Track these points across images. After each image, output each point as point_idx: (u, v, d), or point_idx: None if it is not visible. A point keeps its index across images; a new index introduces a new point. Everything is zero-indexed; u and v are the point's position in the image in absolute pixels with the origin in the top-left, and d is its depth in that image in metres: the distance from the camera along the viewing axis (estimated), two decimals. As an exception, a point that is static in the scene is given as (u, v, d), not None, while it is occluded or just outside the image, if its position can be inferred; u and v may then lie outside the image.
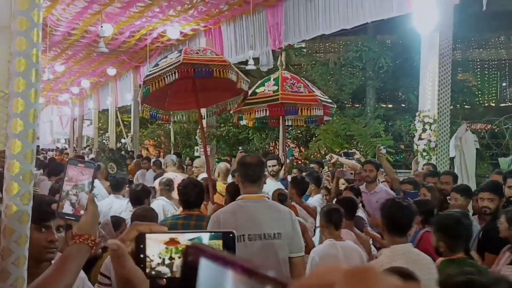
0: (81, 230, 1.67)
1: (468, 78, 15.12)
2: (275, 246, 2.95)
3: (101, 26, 9.39)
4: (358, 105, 13.08)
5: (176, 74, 4.58)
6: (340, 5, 8.80)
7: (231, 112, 6.45)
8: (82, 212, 1.70)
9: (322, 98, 5.79)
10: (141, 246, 0.91)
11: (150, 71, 4.99)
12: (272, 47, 11.01)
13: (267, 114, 5.75)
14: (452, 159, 7.34)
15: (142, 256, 0.91)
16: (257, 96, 5.75)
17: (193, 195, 3.64)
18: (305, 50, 14.08)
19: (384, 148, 6.18)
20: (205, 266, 0.50)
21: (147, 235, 0.91)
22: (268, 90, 5.69)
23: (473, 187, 7.04)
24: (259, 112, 5.71)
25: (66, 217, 1.71)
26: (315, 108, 5.60)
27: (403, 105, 12.43)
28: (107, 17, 10.59)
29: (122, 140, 21.32)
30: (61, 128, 26.99)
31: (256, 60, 11.44)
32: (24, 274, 1.76)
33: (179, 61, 4.65)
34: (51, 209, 2.06)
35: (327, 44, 17.48)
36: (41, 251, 2.08)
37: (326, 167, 7.25)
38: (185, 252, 0.52)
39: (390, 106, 13.25)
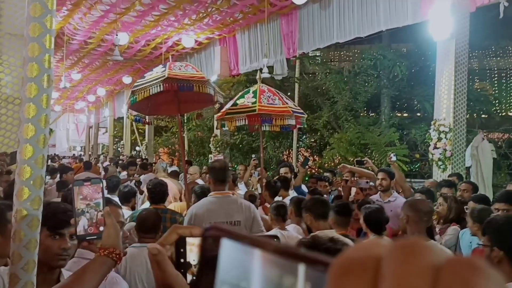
0: (105, 244, 1.68)
1: (485, 87, 14.92)
2: None
3: (116, 35, 9.50)
4: (372, 114, 12.98)
5: (162, 87, 5.44)
6: (354, 14, 8.78)
7: (216, 119, 7.44)
8: (101, 228, 1.71)
9: (294, 109, 6.68)
10: (182, 250, 0.90)
11: (138, 82, 5.86)
12: (287, 56, 11.02)
13: (246, 122, 6.74)
14: (468, 168, 7.23)
15: (182, 260, 0.89)
16: (237, 106, 6.63)
17: (159, 192, 4.44)
18: (319, 59, 14.06)
19: (394, 155, 6.10)
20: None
21: (188, 239, 0.89)
22: (247, 102, 6.55)
23: (490, 197, 6.92)
24: (239, 120, 6.67)
25: (87, 238, 1.72)
26: (287, 118, 6.49)
27: (418, 114, 12.32)
28: (123, 26, 10.73)
29: (137, 148, 21.47)
30: (77, 136, 27.30)
31: (271, 68, 11.46)
32: (33, 279, 1.76)
33: (165, 75, 5.48)
34: (65, 217, 2.07)
35: (341, 53, 17.45)
36: (53, 257, 2.09)
37: (339, 178, 7.19)
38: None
39: (405, 114, 13.13)
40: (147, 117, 6.50)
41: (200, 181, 7.08)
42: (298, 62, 11.47)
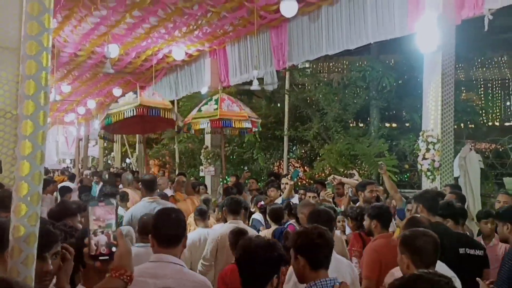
0: (116, 265, 1.70)
1: (472, 97, 15.15)
2: None
3: (107, 47, 9.52)
4: (362, 125, 13.09)
5: (135, 111, 6.63)
6: (343, 26, 8.89)
7: (183, 123, 8.64)
8: (114, 249, 1.74)
9: (250, 115, 8.16)
10: None
11: (112, 106, 7.10)
12: (276, 67, 11.10)
13: (209, 125, 7.95)
14: (456, 179, 7.32)
15: None
16: (202, 112, 7.94)
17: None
18: (309, 70, 14.18)
19: (381, 164, 6.22)
20: None
21: None
22: (210, 109, 7.86)
23: (479, 207, 7.02)
24: (203, 124, 7.94)
25: (100, 258, 1.74)
26: (244, 122, 7.88)
27: (407, 125, 12.44)
28: (114, 38, 10.75)
29: (127, 160, 21.38)
30: (67, 149, 27.10)
31: (261, 80, 11.54)
32: (30, 294, 1.78)
33: (137, 102, 6.70)
34: (48, 240, 2.07)
35: (331, 64, 17.62)
36: (35, 279, 2.06)
37: (329, 189, 7.25)
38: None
39: (394, 125, 13.27)
40: (109, 135, 8.17)
41: (168, 191, 7.77)
42: (288, 74, 11.56)
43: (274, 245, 2.34)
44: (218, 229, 4.90)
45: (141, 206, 5.17)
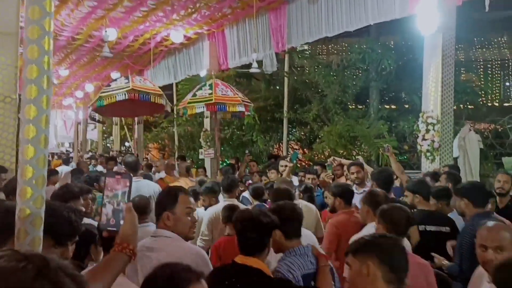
0: (121, 239, 1.72)
1: (471, 78, 15.11)
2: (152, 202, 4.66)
3: (105, 31, 9.46)
4: (361, 107, 13.07)
5: (127, 95, 6.98)
6: (343, 8, 8.83)
7: (178, 107, 9.14)
8: (122, 222, 1.76)
9: (243, 99, 8.52)
10: None
11: (104, 89, 7.46)
12: (276, 50, 11.05)
13: (205, 109, 8.30)
14: (455, 159, 7.36)
15: None
16: (197, 97, 8.24)
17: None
18: (308, 53, 14.11)
19: (387, 147, 6.27)
20: None
21: None
22: (205, 93, 8.23)
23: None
24: (199, 108, 8.25)
25: (108, 228, 1.76)
26: (238, 106, 8.24)
27: (406, 106, 12.43)
28: (111, 21, 10.67)
29: (126, 144, 21.39)
30: (66, 132, 27.09)
31: (260, 62, 11.49)
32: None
33: (129, 86, 7.05)
34: (72, 229, 2.12)
35: (330, 46, 17.53)
36: None
37: (329, 171, 7.29)
38: None
39: (393, 107, 13.25)
40: (97, 116, 8.82)
41: (162, 174, 8.27)
42: (287, 56, 11.51)
43: (266, 213, 2.72)
44: (213, 208, 5.07)
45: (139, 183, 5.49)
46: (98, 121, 9.30)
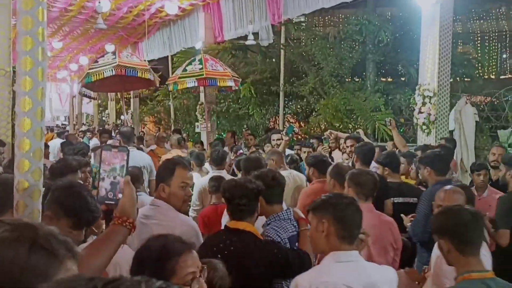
0: (120, 212, 1.74)
1: (469, 50, 15.02)
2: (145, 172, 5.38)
3: (99, 2, 9.29)
4: (358, 80, 13.01)
5: (114, 71, 7.15)
6: (339, -22, 8.69)
7: (168, 82, 9.25)
8: (120, 195, 1.77)
9: (233, 74, 8.66)
10: None
11: (92, 66, 7.66)
12: (272, 22, 10.92)
13: (196, 84, 8.46)
14: (451, 132, 7.38)
15: None
16: (187, 72, 8.34)
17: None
18: (304, 25, 13.94)
19: (389, 120, 6.31)
20: None
21: None
22: (195, 68, 8.31)
23: (472, 159, 7.13)
24: (190, 83, 8.40)
25: (106, 202, 1.77)
26: (228, 80, 8.37)
27: (403, 79, 12.37)
28: (105, -8, 10.46)
29: (122, 117, 21.29)
30: (60, 105, 26.92)
31: (256, 35, 11.37)
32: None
33: (116, 62, 7.22)
34: (92, 216, 2.15)
35: (326, 18, 17.31)
36: None
37: (326, 144, 7.31)
38: None
39: (390, 80, 13.20)
40: (92, 93, 9.14)
41: (153, 146, 8.57)
42: (283, 28, 11.38)
43: (251, 180, 2.93)
44: (203, 179, 5.33)
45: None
46: (89, 97, 9.79)
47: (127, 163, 1.76)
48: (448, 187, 3.20)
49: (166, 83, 8.52)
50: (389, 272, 2.34)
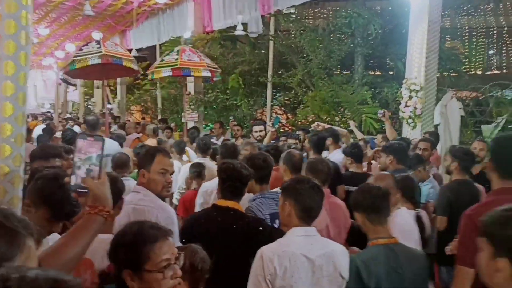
0: (94, 201, 1.72)
1: (456, 45, 15.13)
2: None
3: (86, -12, 9.17)
4: (346, 72, 13.03)
5: (100, 60, 7.37)
6: (330, -30, 8.68)
7: (147, 72, 9.53)
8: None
9: (209, 65, 8.72)
10: None
11: (77, 54, 7.80)
12: (261, 12, 10.88)
13: (171, 74, 8.53)
14: (436, 126, 7.45)
15: None
16: (164, 62, 8.58)
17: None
18: (294, 16, 13.90)
19: (383, 112, 6.37)
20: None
21: None
22: (172, 58, 8.50)
23: (457, 153, 7.18)
24: (165, 72, 8.52)
25: (78, 190, 1.75)
26: (203, 71, 8.45)
27: (391, 73, 12.42)
28: (92, -22, 10.34)
29: (108, 106, 21.09)
30: (46, 93, 26.57)
31: (245, 25, 11.31)
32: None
33: (102, 51, 7.43)
34: (73, 209, 2.15)
35: (316, 10, 17.29)
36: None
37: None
38: None
39: (378, 73, 13.25)
40: (72, 80, 9.70)
41: (136, 135, 9.33)
42: (272, 20, 11.35)
43: (245, 166, 3.17)
44: (188, 165, 5.56)
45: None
46: (69, 83, 10.28)
47: (103, 152, 1.75)
48: (383, 172, 3.69)
49: (147, 72, 8.79)
50: (341, 247, 2.68)
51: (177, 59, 8.37)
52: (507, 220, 1.58)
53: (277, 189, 3.34)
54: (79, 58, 7.58)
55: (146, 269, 1.72)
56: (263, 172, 3.46)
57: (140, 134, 9.91)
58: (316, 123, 7.33)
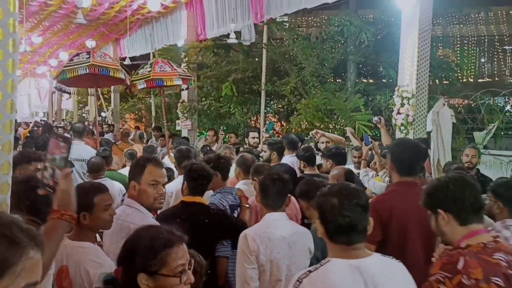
0: (58, 205, 1.71)
1: (448, 53, 15.24)
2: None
3: (79, -3, 9.18)
4: (339, 80, 13.08)
5: (87, 70, 7.71)
6: (322, -21, 8.74)
7: (124, 85, 10.12)
8: (56, 184, 1.74)
9: (181, 74, 9.03)
10: None
11: (67, 64, 8.21)
12: (254, 21, 10.93)
13: (145, 86, 8.84)
14: (429, 133, 7.48)
15: None
16: (139, 75, 9.01)
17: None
18: (287, 24, 13.97)
19: (378, 118, 6.38)
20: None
21: None
22: (145, 71, 8.86)
23: (449, 160, 7.23)
24: (140, 85, 8.82)
25: (46, 187, 1.74)
26: (175, 79, 8.76)
27: (383, 80, 12.50)
28: (85, -13, 10.33)
29: (102, 114, 21.07)
30: (40, 101, 26.49)
31: (239, 34, 11.36)
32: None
33: (90, 62, 7.76)
34: (49, 209, 2.13)
35: (309, 18, 17.40)
36: None
37: (311, 144, 7.33)
38: None
39: (370, 81, 13.31)
40: (67, 88, 10.02)
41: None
42: (265, 28, 11.40)
43: (209, 167, 3.68)
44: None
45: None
46: (65, 92, 11.23)
47: (68, 155, 1.74)
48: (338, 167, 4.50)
49: (129, 83, 9.15)
50: (306, 229, 3.20)
51: (150, 71, 8.78)
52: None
53: (237, 185, 4.33)
54: (69, 68, 7.95)
55: (163, 273, 1.70)
56: (227, 171, 4.13)
57: (119, 142, 10.12)
58: (314, 130, 7.31)
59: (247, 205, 3.88)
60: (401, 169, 3.02)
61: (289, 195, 4.03)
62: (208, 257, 2.85)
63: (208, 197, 3.87)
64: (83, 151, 6.34)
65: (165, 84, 8.93)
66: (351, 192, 2.04)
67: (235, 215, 3.85)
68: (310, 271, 1.97)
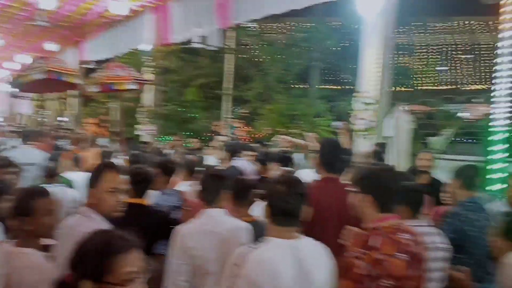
0: None
1: (409, 61, 15.68)
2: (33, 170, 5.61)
3: (40, -2, 9.01)
4: (303, 86, 13.26)
5: (43, 75, 7.93)
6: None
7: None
8: None
9: (137, 77, 9.39)
10: None
11: (23, 70, 8.43)
12: (219, 26, 10.92)
13: (99, 90, 9.09)
14: (387, 138, 7.66)
15: None
16: (91, 79, 8.94)
17: None
18: (254, 30, 14.06)
19: (340, 123, 6.50)
20: None
21: None
22: (98, 75, 9.05)
23: (406, 165, 7.42)
24: (91, 88, 9.07)
25: None
26: (128, 84, 9.01)
27: (346, 87, 12.74)
28: (47, -11, 10.13)
29: (59, 118, 20.61)
30: (-1, 106, 25.69)
31: (204, 38, 11.33)
32: None
33: (45, 68, 7.95)
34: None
35: (274, 25, 17.57)
36: None
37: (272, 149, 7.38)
38: None
39: (334, 87, 13.55)
40: (23, 94, 10.33)
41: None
42: (234, 33, 11.44)
43: (149, 169, 3.90)
44: None
45: (20, 151, 6.31)
46: (18, 97, 10.92)
47: None
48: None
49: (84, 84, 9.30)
50: (246, 224, 3.15)
51: (101, 75, 8.95)
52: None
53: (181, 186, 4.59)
54: (24, 73, 8.18)
55: (106, 281, 1.60)
56: (169, 175, 4.38)
57: (75, 147, 9.75)
58: (282, 137, 7.33)
59: (189, 208, 4.03)
60: (324, 166, 3.37)
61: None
62: (148, 254, 2.86)
63: (152, 197, 3.99)
64: (30, 154, 6.25)
65: (114, 88, 9.04)
66: (295, 182, 2.43)
67: (177, 214, 4.01)
68: (253, 248, 2.29)
